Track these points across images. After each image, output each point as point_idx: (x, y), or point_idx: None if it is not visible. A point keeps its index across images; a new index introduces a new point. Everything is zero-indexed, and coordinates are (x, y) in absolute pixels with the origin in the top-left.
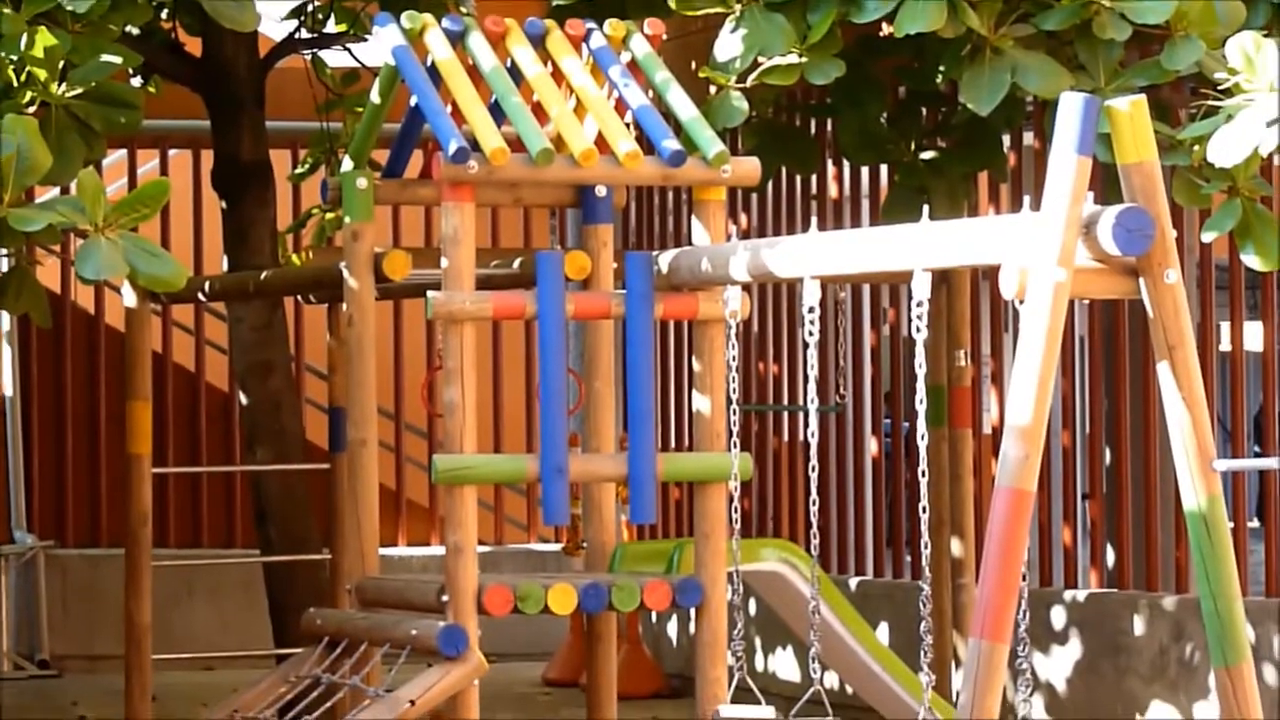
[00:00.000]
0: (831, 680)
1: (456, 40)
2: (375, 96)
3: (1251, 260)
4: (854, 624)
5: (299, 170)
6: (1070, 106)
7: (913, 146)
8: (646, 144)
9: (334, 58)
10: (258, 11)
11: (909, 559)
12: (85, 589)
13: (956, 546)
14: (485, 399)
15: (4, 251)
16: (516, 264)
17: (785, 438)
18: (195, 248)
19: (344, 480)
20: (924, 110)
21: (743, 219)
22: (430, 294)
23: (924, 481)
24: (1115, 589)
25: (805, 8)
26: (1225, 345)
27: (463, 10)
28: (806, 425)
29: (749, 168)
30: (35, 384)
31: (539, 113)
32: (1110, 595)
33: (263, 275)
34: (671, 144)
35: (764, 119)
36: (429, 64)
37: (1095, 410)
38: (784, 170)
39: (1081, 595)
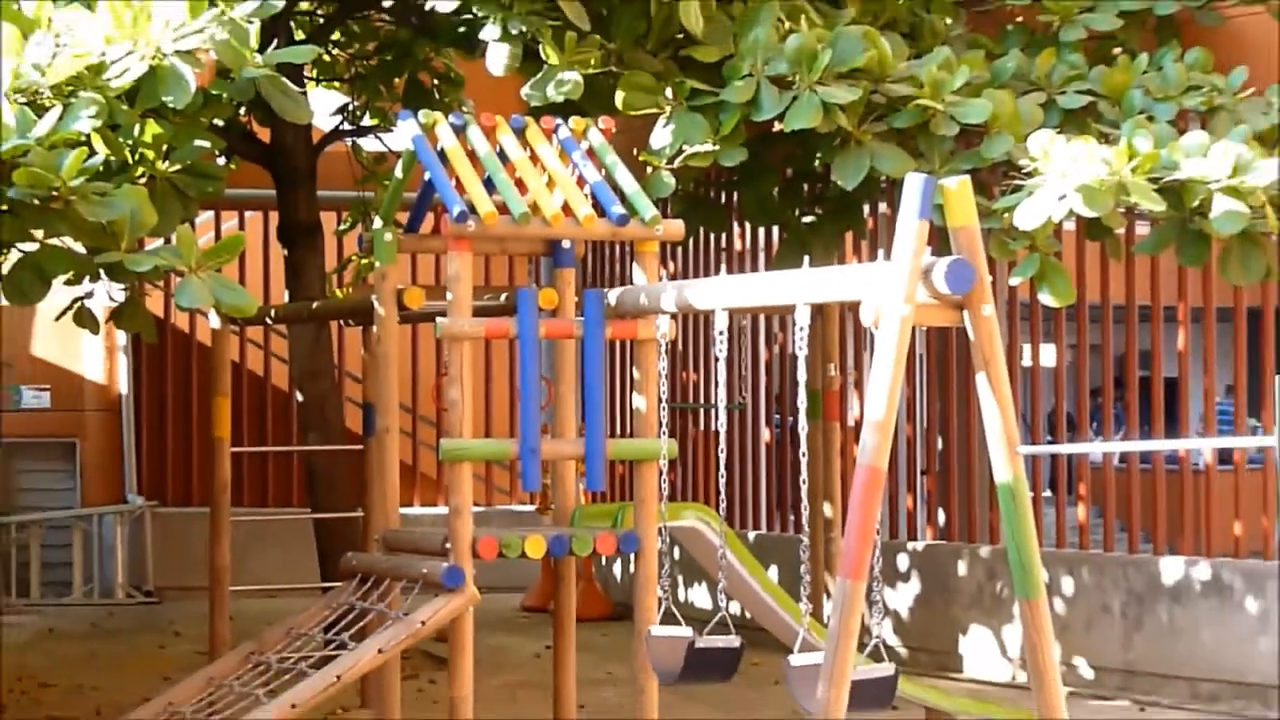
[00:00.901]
0: (735, 609)
1: (459, 131)
2: (399, 172)
3: (1047, 299)
4: (752, 567)
5: (342, 227)
6: (913, 184)
7: (797, 213)
8: (600, 209)
9: (368, 143)
10: (311, 109)
11: (793, 518)
12: (180, 537)
13: (828, 509)
14: (479, 398)
15: (121, 286)
16: (503, 298)
17: (702, 428)
18: (264, 284)
19: (374, 458)
20: (805, 186)
21: (671, 265)
22: (438, 319)
23: (804, 461)
24: (945, 541)
25: (718, 109)
26: (1027, 362)
27: (464, 109)
28: (717, 418)
29: (676, 228)
30: (144, 386)
31: (520, 186)
32: (941, 546)
33: (314, 305)
34: (618, 209)
35: (687, 191)
36: (439, 149)
37: (931, 409)
38: (702, 230)
39: (920, 546)
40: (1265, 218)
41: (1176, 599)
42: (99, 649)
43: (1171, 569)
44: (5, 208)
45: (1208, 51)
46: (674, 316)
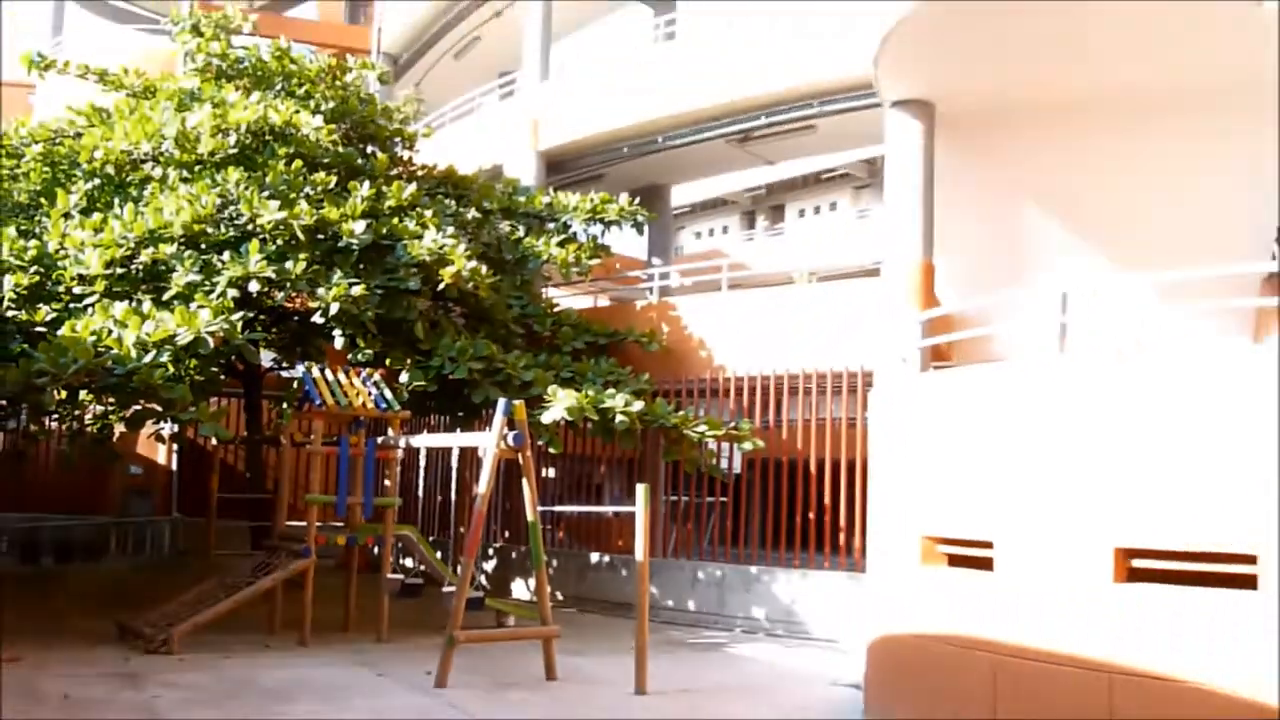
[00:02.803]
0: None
1: (320, 371)
2: (297, 384)
3: (552, 450)
4: (429, 551)
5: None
6: (501, 403)
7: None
8: (375, 403)
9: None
10: (260, 357)
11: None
12: (196, 531)
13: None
14: (324, 477)
15: (178, 424)
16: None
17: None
18: (236, 425)
19: (278, 501)
20: (462, 398)
21: (406, 426)
22: (309, 447)
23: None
24: (508, 544)
25: (428, 368)
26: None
27: (323, 360)
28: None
29: (405, 413)
30: (181, 466)
31: (345, 391)
32: (505, 546)
33: (257, 437)
34: (383, 403)
35: (413, 397)
36: (313, 377)
37: (503, 491)
38: (417, 413)
39: (497, 544)
40: (631, 420)
41: (597, 569)
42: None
43: (594, 558)
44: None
45: (617, 361)
46: (405, 447)
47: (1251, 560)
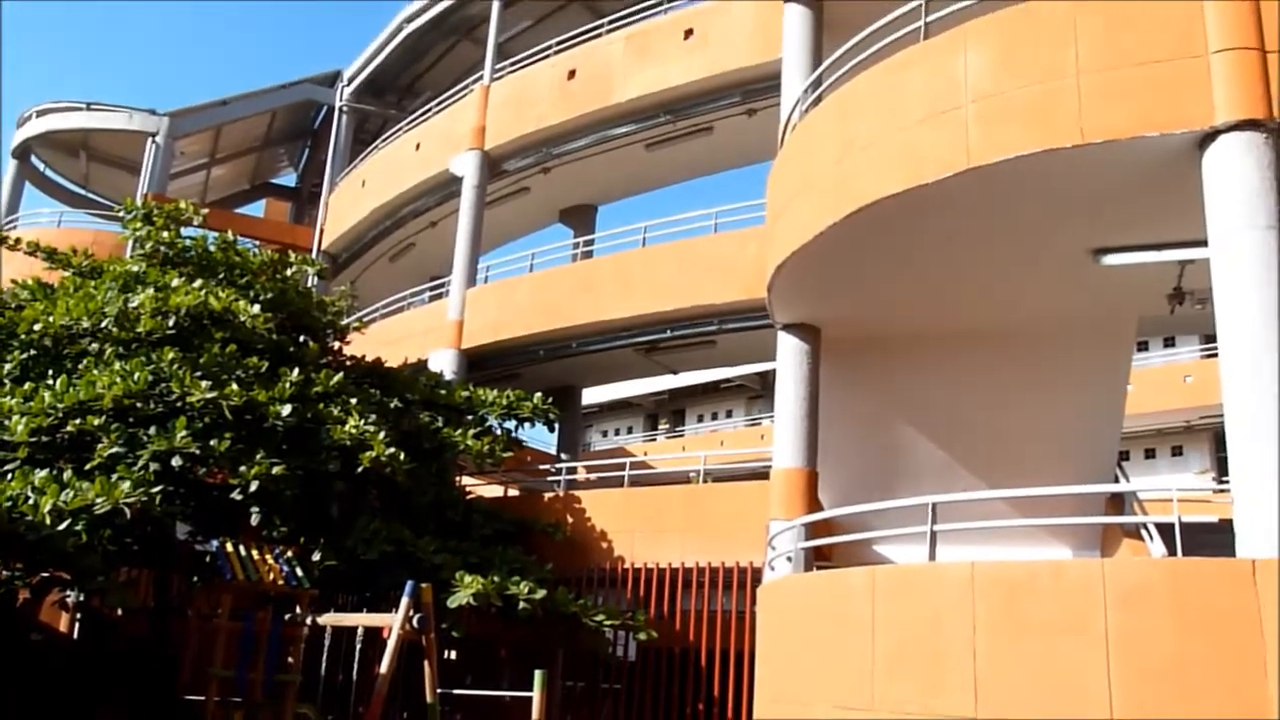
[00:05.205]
0: None
1: (235, 547)
2: (208, 558)
3: (456, 633)
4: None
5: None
6: (410, 586)
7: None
8: (287, 580)
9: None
10: (177, 534)
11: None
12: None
13: None
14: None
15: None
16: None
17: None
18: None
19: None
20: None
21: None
22: (215, 621)
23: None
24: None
25: (349, 552)
26: (451, 656)
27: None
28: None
29: (314, 592)
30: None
31: (255, 567)
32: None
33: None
34: (294, 581)
35: (324, 577)
36: (228, 553)
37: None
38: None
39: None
40: (534, 607)
41: None
42: None
43: None
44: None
45: (524, 548)
46: (311, 625)
47: None
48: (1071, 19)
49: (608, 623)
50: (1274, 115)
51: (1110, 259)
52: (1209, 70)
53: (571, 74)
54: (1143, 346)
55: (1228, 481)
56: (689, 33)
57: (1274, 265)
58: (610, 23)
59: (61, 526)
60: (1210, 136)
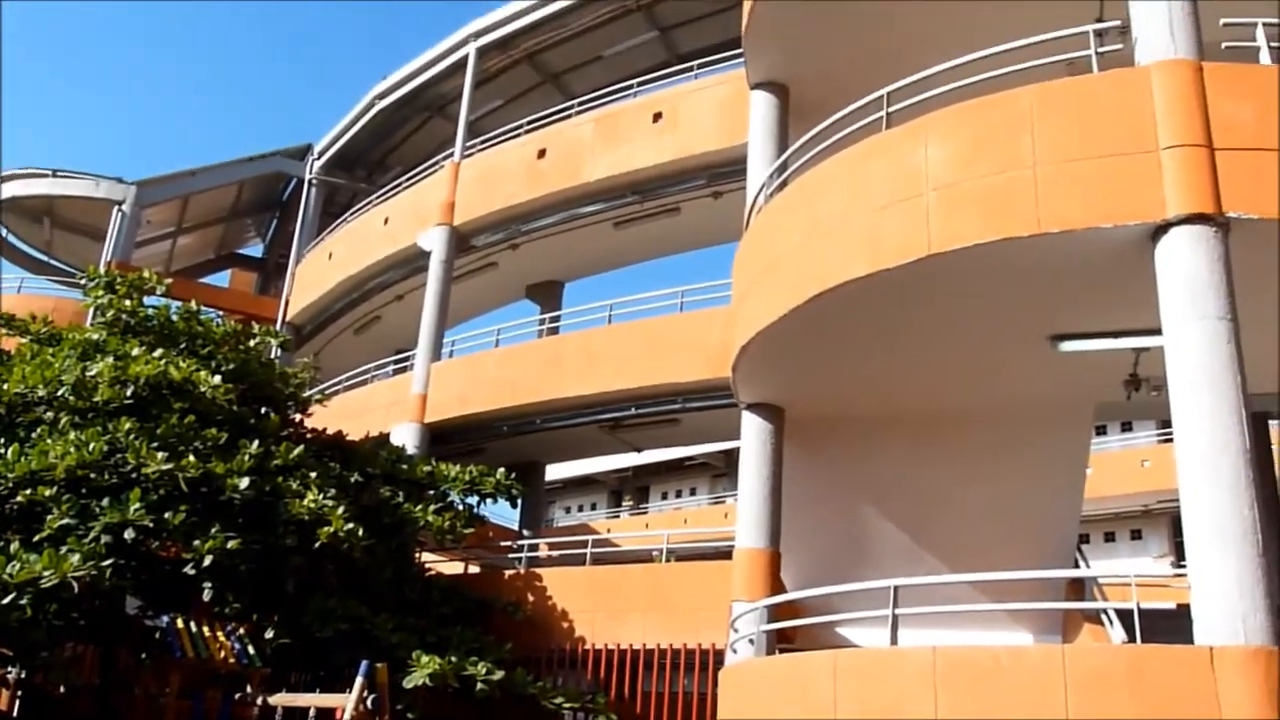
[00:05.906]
0: None
1: (186, 623)
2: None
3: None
4: None
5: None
6: (364, 665)
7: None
8: (239, 658)
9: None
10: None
11: None
12: None
13: None
14: None
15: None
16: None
17: None
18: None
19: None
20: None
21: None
22: (161, 700)
23: None
24: None
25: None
26: None
27: (178, 618)
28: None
29: (266, 671)
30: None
31: (207, 645)
32: None
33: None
34: (245, 659)
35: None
36: (178, 630)
37: None
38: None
39: None
40: (492, 689)
41: None
42: None
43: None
44: None
45: (483, 627)
46: (262, 705)
47: None
48: (1029, 112)
49: (567, 705)
50: (1222, 210)
51: (1067, 345)
52: (1160, 165)
53: (542, 153)
54: (1101, 431)
55: (1184, 566)
56: (658, 116)
57: (1224, 356)
58: (581, 103)
59: (5, 600)
60: (1162, 229)
